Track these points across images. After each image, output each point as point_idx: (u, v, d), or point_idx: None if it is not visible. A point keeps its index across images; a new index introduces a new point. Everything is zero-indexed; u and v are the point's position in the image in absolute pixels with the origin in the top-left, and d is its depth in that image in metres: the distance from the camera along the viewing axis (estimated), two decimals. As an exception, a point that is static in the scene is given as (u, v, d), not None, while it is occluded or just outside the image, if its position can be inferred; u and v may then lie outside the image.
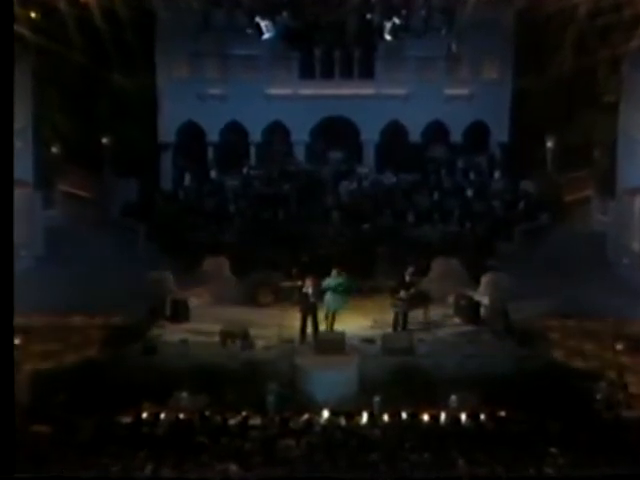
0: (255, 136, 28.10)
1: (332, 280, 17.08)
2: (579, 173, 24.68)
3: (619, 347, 16.02)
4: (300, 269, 19.57)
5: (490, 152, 27.91)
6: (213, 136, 28.04)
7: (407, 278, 17.54)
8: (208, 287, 20.52)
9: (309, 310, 16.78)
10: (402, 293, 17.18)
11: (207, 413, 13.55)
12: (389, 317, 17.41)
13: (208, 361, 14.97)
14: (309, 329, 16.80)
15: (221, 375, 14.51)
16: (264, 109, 27.47)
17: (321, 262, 20.44)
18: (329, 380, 14.45)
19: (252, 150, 28.22)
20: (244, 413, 13.50)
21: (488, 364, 15.06)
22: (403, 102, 27.48)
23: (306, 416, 13.45)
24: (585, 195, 24.20)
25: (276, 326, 16.71)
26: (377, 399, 13.70)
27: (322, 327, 16.91)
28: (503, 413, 13.56)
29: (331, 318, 16.96)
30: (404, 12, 22.92)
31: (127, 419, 13.35)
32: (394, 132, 27.99)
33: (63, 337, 16.66)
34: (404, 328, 17.22)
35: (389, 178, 26.75)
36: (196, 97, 27.46)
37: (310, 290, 16.79)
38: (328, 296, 16.95)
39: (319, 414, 13.48)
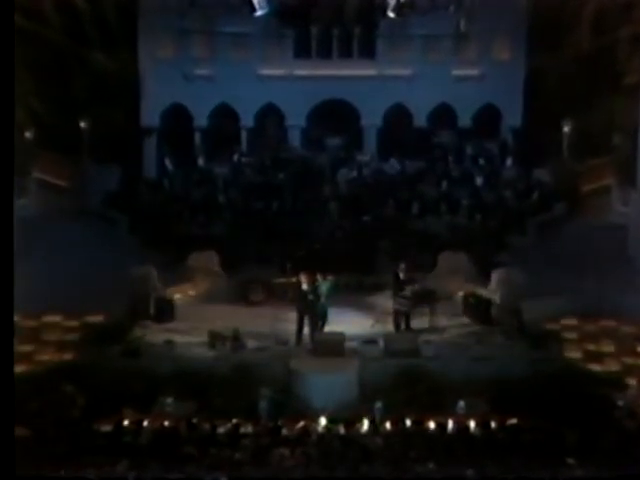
0: (246, 120, 28.01)
1: (320, 286, 17.03)
2: (598, 161, 24.64)
3: (641, 349, 16.07)
4: (295, 265, 19.51)
5: (501, 138, 27.86)
6: (201, 120, 27.94)
7: (401, 275, 17.48)
8: (195, 284, 20.47)
9: (307, 309, 16.71)
10: (406, 290, 17.15)
11: (194, 420, 13.51)
12: (391, 316, 17.37)
13: (195, 364, 14.94)
14: (306, 330, 16.73)
15: (209, 379, 14.50)
16: (256, 91, 27.38)
17: (318, 257, 20.43)
18: (327, 384, 14.44)
19: (243, 135, 28.13)
20: (234, 420, 13.46)
21: (499, 367, 15.04)
22: (407, 84, 27.40)
23: (302, 424, 13.43)
24: (604, 184, 24.15)
25: (269, 326, 16.65)
26: (379, 405, 13.68)
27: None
28: (515, 421, 13.55)
29: (320, 326, 16.93)
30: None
31: (107, 427, 13.29)
32: (397, 116, 27.93)
33: (37, 338, 16.61)
34: (407, 328, 17.19)
35: (392, 166, 26.68)
36: (182, 78, 27.38)
37: (307, 287, 16.73)
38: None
39: (316, 421, 13.46)
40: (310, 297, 16.72)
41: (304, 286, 16.80)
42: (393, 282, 17.57)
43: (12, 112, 10.69)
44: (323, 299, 16.92)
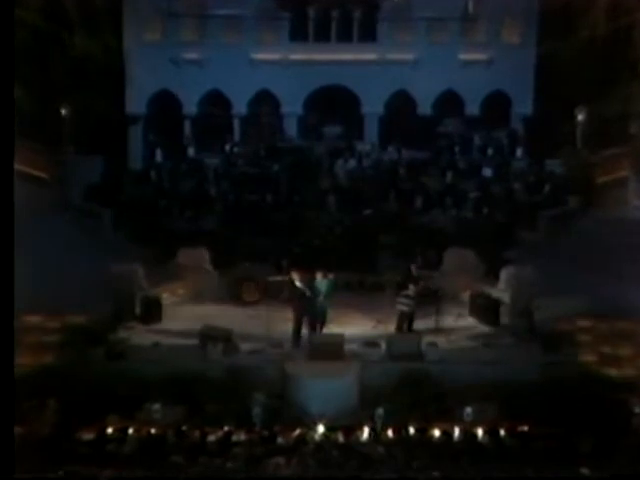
0: (239, 108, 28.06)
1: (320, 284, 17.02)
2: (613, 151, 24.64)
3: (660, 352, 16.05)
4: (291, 262, 19.49)
5: (511, 126, 27.93)
6: (190, 107, 28.00)
7: (414, 272, 17.46)
8: (184, 282, 20.47)
9: (304, 308, 16.66)
10: (410, 289, 17.12)
11: (183, 427, 13.48)
12: (394, 317, 17.36)
13: (184, 367, 14.89)
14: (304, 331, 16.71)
15: (200, 384, 14.45)
16: (249, 76, 27.45)
17: (315, 254, 20.43)
18: (325, 389, 14.40)
19: (236, 124, 28.20)
20: (226, 428, 13.44)
21: (508, 371, 15.01)
22: (411, 69, 27.49)
23: (298, 431, 13.41)
24: (620, 176, 24.16)
25: (264, 327, 16.65)
26: (380, 412, 13.66)
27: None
28: (525, 428, 13.55)
29: (319, 327, 16.92)
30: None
31: (89, 435, 13.27)
32: (400, 103, 28.01)
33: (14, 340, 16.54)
34: (410, 329, 17.17)
35: (394, 156, 26.69)
36: (171, 63, 27.39)
37: (302, 285, 16.69)
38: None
39: (313, 429, 13.44)
40: (307, 294, 16.68)
41: (298, 283, 16.77)
42: (401, 279, 17.52)
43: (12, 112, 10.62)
44: (322, 298, 16.91)
